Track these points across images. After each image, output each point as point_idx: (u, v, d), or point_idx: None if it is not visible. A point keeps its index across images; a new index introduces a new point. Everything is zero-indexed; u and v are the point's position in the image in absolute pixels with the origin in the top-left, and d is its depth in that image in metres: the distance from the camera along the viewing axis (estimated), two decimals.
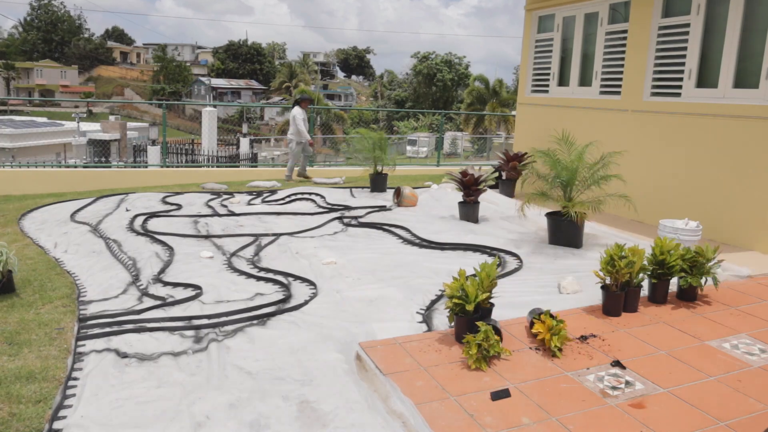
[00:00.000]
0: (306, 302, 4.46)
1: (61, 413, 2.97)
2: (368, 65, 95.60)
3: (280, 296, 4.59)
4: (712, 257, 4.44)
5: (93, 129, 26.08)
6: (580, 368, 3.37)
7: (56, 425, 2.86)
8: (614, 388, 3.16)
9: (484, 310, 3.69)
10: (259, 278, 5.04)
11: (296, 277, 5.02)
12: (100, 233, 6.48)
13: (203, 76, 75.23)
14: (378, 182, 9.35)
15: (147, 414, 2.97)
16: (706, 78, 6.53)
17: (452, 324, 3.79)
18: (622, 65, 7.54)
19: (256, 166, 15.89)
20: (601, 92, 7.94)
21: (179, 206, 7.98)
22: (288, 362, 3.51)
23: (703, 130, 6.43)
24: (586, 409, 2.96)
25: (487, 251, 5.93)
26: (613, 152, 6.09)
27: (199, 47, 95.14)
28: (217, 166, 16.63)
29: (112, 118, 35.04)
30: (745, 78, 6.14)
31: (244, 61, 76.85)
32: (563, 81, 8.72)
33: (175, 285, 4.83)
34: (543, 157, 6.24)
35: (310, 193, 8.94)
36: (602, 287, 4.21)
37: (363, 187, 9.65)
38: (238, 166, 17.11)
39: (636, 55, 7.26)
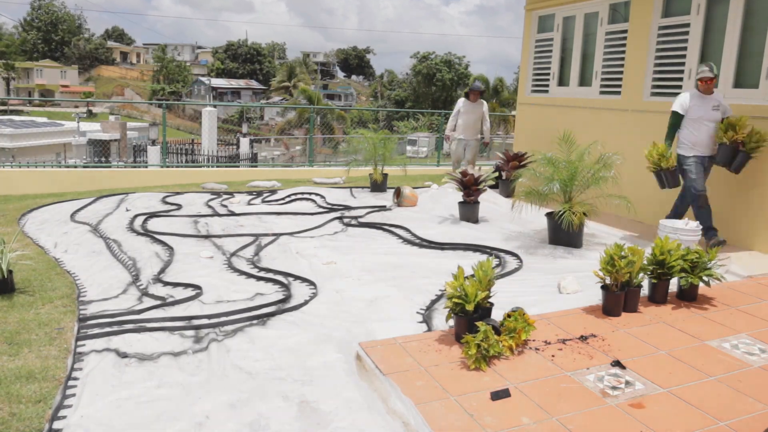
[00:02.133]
0: (306, 302, 4.46)
1: (61, 413, 2.97)
2: (368, 65, 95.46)
3: (280, 296, 4.59)
4: (714, 258, 4.46)
5: (93, 129, 26.04)
6: (580, 368, 3.37)
7: (56, 425, 2.86)
8: (614, 388, 3.16)
9: (483, 310, 3.69)
10: (259, 278, 5.04)
11: (296, 277, 5.02)
12: (100, 233, 6.48)
13: (203, 76, 75.17)
14: (378, 182, 9.34)
15: (147, 414, 2.97)
16: None
17: (452, 324, 3.79)
18: (622, 65, 7.53)
19: (256, 166, 15.89)
20: (601, 92, 7.93)
21: (179, 206, 7.99)
22: (288, 362, 3.51)
23: None
24: (586, 409, 2.96)
25: (487, 251, 5.93)
26: (613, 153, 6.08)
27: (199, 47, 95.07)
28: (217, 166, 16.61)
29: (112, 118, 35.06)
30: (745, 78, 6.14)
31: (244, 61, 76.82)
32: (563, 81, 8.72)
33: (175, 285, 4.83)
34: (544, 161, 6.22)
35: (310, 193, 8.95)
36: (602, 287, 4.21)
37: (363, 187, 9.64)
38: (238, 166, 17.10)
39: (636, 55, 7.26)
